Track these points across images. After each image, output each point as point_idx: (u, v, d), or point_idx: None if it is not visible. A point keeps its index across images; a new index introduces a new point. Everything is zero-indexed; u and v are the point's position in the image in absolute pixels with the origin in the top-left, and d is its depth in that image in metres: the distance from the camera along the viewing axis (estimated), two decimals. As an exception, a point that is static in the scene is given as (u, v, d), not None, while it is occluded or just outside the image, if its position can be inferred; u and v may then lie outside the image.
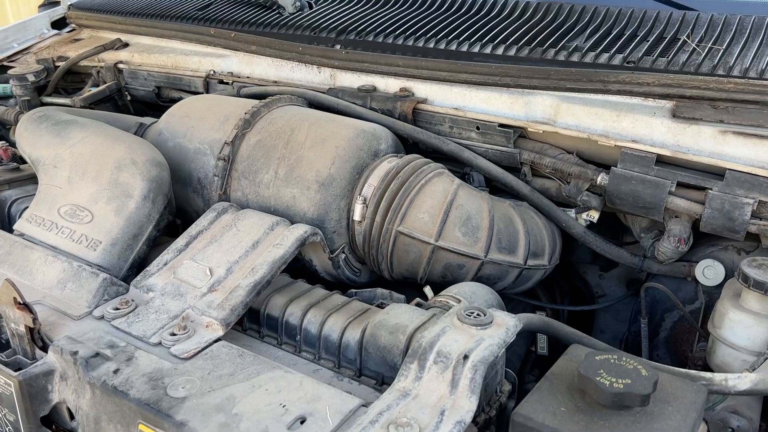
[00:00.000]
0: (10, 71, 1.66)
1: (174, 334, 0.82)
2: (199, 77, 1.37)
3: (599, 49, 1.11)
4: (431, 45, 1.20)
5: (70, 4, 1.95)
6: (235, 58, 1.38)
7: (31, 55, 1.83)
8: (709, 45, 1.03)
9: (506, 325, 0.77)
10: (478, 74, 1.09)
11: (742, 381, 0.72)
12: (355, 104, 1.16)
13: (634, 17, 1.20)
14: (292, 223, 0.98)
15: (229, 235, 0.96)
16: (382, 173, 1.00)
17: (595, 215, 1.07)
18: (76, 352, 0.78)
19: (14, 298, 0.80)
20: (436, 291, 0.95)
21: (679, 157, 0.94)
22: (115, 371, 0.76)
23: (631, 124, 0.99)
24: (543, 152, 1.06)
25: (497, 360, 0.75)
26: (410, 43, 1.21)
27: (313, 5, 1.48)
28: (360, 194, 1.00)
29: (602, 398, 0.66)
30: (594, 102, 1.02)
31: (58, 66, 1.65)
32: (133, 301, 0.89)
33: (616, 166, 0.98)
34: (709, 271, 0.98)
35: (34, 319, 0.81)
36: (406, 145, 1.15)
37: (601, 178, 1.00)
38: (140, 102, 1.57)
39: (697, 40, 1.06)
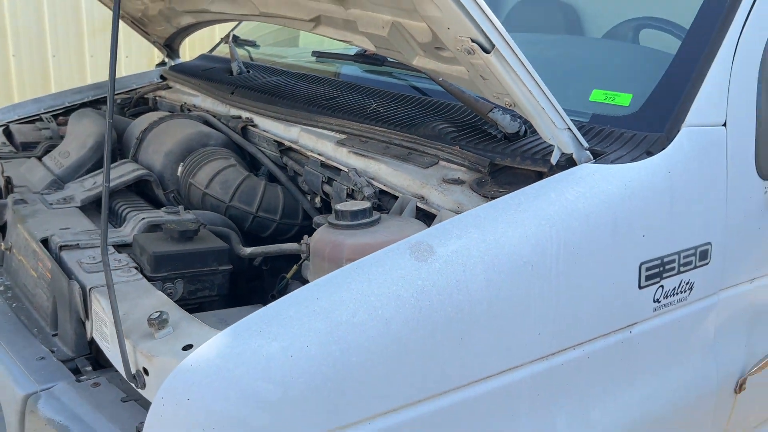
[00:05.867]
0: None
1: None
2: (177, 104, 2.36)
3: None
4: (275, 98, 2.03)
5: (170, 67, 3.09)
6: (200, 98, 2.34)
7: (134, 92, 2.98)
8: (375, 105, 1.73)
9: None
10: (274, 112, 1.90)
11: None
12: (223, 123, 2.02)
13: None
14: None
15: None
16: (192, 151, 1.85)
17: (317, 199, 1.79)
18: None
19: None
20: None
21: (330, 163, 1.65)
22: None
23: (322, 146, 1.71)
24: (295, 159, 1.81)
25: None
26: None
27: (248, 71, 2.39)
28: (183, 162, 1.85)
29: (170, 232, 1.42)
30: (318, 134, 1.76)
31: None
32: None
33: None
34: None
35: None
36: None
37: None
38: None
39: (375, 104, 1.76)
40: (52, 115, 2.69)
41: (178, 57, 3.09)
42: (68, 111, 2.84)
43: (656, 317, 1.38)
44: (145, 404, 1.12)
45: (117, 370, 1.23)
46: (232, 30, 3.04)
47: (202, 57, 3.06)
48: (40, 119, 2.67)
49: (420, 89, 1.85)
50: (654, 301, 1.36)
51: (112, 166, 1.90)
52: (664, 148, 1.36)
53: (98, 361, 1.29)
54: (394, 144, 1.58)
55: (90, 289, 1.25)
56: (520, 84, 1.21)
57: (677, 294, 1.41)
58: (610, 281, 1.28)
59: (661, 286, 1.36)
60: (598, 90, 1.55)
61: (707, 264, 1.44)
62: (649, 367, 1.40)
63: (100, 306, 1.21)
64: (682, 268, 1.39)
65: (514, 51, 1.17)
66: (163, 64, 3.13)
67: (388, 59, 1.92)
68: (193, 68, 2.70)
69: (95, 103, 2.95)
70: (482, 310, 1.11)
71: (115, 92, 2.97)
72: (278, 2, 1.76)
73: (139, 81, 3.06)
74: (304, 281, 1.42)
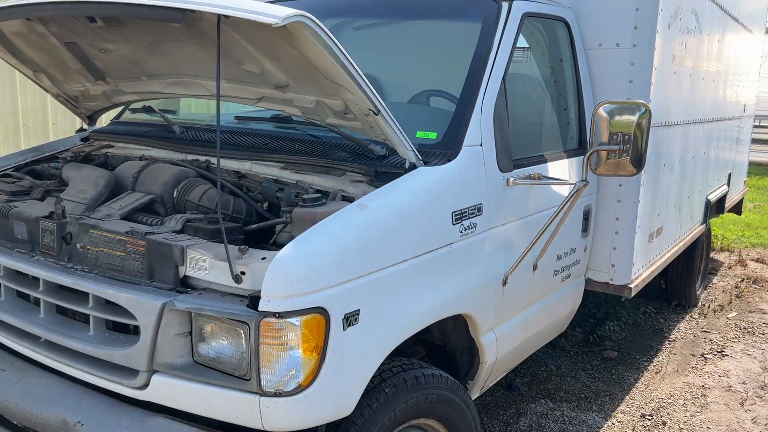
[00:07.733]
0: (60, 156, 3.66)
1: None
2: (133, 157, 3.36)
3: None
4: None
5: (92, 131, 3.99)
6: (153, 150, 3.36)
7: (69, 152, 3.83)
8: (298, 146, 2.99)
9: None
10: (228, 154, 3.05)
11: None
12: (190, 163, 3.09)
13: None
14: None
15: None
16: (181, 181, 2.92)
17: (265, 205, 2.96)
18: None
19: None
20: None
21: (280, 179, 2.86)
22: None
23: (270, 170, 2.91)
24: (248, 181, 2.97)
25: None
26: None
27: (187, 131, 3.49)
28: (176, 187, 2.91)
29: (211, 220, 2.53)
30: (265, 164, 2.96)
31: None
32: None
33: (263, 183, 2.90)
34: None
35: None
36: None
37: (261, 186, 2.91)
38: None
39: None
40: (18, 171, 3.49)
41: (95, 124, 4.01)
42: (18, 168, 3.63)
43: (462, 240, 2.81)
44: (238, 298, 2.24)
45: (205, 289, 2.32)
46: (128, 106, 4.06)
47: (115, 123, 4.01)
48: (5, 175, 3.45)
49: (317, 136, 3.13)
50: (460, 232, 2.79)
51: (121, 196, 2.88)
52: (455, 158, 2.81)
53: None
54: (318, 165, 2.84)
55: (186, 247, 2.32)
56: (390, 130, 2.57)
57: (469, 229, 2.85)
58: (439, 220, 2.68)
59: (462, 224, 2.80)
60: (420, 131, 2.98)
61: (481, 214, 2.92)
62: (462, 265, 2.82)
63: (197, 252, 2.30)
64: (470, 215, 2.84)
65: (389, 113, 2.53)
66: (82, 130, 4.02)
67: (294, 118, 3.18)
68: (125, 131, 3.69)
69: (35, 163, 3.76)
70: (392, 234, 2.43)
71: (49, 153, 3.81)
72: (230, 87, 2.94)
73: (66, 144, 3.94)
74: (280, 246, 2.60)
